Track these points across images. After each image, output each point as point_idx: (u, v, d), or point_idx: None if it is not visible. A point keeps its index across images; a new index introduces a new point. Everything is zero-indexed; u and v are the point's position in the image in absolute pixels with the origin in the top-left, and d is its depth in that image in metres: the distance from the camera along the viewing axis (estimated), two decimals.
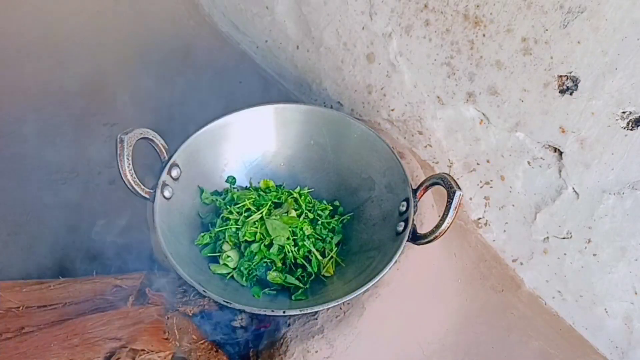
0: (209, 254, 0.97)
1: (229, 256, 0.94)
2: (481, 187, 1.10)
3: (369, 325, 0.92)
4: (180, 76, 1.55)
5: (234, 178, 1.08)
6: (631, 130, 0.82)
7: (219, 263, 0.95)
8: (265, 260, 0.95)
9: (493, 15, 0.89)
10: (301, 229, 0.97)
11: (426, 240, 0.86)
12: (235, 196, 1.03)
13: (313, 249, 0.97)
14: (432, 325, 1.05)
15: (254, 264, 0.94)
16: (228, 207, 1.01)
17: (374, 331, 0.93)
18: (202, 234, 0.97)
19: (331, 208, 1.06)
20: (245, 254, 0.95)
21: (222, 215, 1.00)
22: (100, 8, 1.77)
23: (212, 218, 1.02)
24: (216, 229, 0.98)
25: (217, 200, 1.03)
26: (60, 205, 1.31)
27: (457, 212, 0.82)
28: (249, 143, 1.09)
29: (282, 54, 1.41)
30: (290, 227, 0.97)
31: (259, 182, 1.11)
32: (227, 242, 0.96)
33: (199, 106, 1.42)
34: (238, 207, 1.00)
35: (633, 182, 0.86)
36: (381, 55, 1.12)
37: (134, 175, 0.87)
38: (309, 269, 0.95)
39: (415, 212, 0.91)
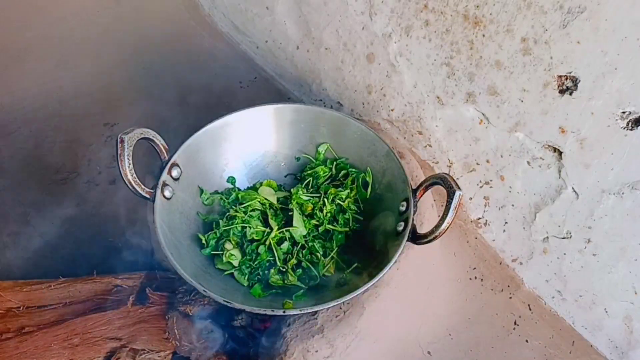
0: (211, 253, 0.97)
1: (232, 254, 0.95)
2: (481, 187, 1.10)
3: (369, 325, 0.92)
4: (180, 76, 1.55)
5: (234, 178, 1.08)
6: (631, 130, 0.82)
7: (222, 260, 0.95)
8: (269, 259, 0.95)
9: (493, 16, 0.89)
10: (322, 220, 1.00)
11: (426, 240, 0.86)
12: (239, 196, 1.03)
13: (319, 253, 0.97)
14: (432, 325, 1.05)
15: (257, 262, 0.94)
16: (233, 206, 1.01)
17: (373, 331, 0.93)
18: (208, 234, 0.97)
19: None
20: (247, 252, 0.95)
21: (227, 214, 1.00)
22: (100, 8, 1.77)
23: (214, 217, 1.02)
24: (222, 228, 0.98)
25: (222, 199, 1.03)
26: (61, 205, 1.31)
27: (457, 212, 0.82)
28: (249, 143, 1.09)
29: (282, 54, 1.41)
30: (307, 222, 0.99)
31: (259, 182, 1.10)
32: (230, 241, 0.96)
33: (199, 106, 1.43)
34: (244, 207, 1.00)
35: (633, 182, 0.86)
36: (381, 55, 1.12)
37: (135, 175, 0.87)
38: (313, 271, 0.95)
39: (415, 212, 0.91)
